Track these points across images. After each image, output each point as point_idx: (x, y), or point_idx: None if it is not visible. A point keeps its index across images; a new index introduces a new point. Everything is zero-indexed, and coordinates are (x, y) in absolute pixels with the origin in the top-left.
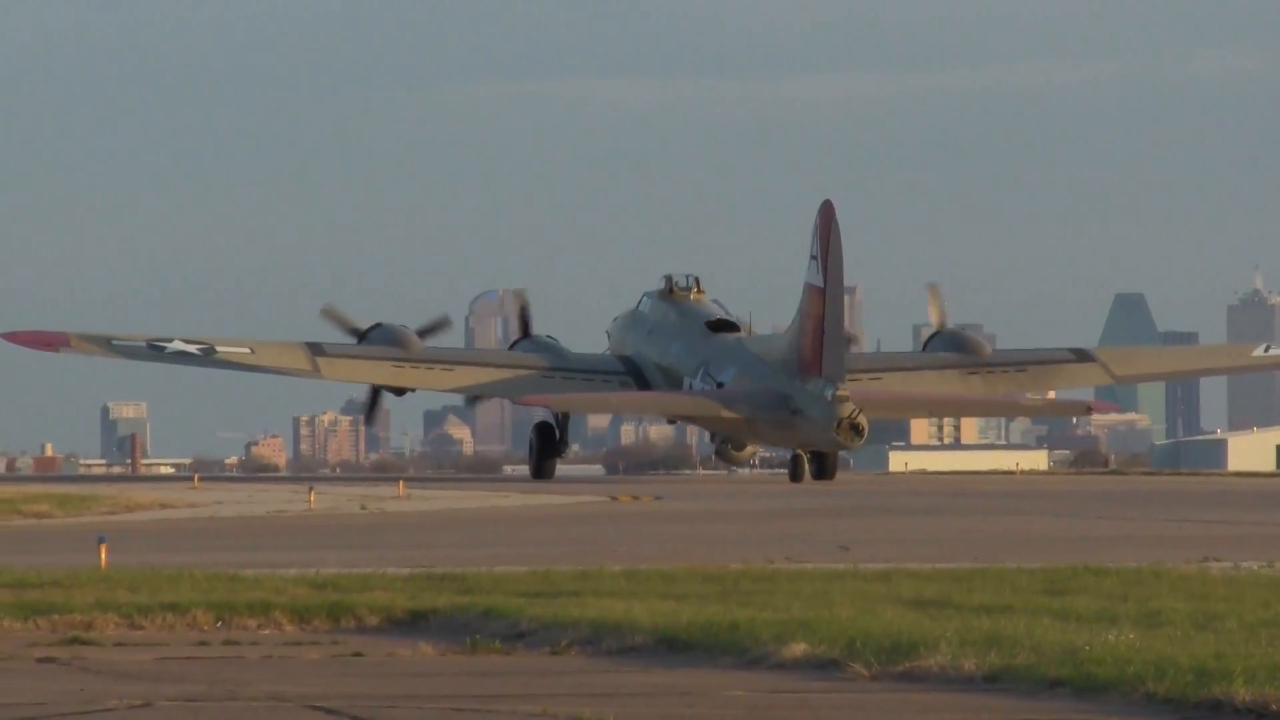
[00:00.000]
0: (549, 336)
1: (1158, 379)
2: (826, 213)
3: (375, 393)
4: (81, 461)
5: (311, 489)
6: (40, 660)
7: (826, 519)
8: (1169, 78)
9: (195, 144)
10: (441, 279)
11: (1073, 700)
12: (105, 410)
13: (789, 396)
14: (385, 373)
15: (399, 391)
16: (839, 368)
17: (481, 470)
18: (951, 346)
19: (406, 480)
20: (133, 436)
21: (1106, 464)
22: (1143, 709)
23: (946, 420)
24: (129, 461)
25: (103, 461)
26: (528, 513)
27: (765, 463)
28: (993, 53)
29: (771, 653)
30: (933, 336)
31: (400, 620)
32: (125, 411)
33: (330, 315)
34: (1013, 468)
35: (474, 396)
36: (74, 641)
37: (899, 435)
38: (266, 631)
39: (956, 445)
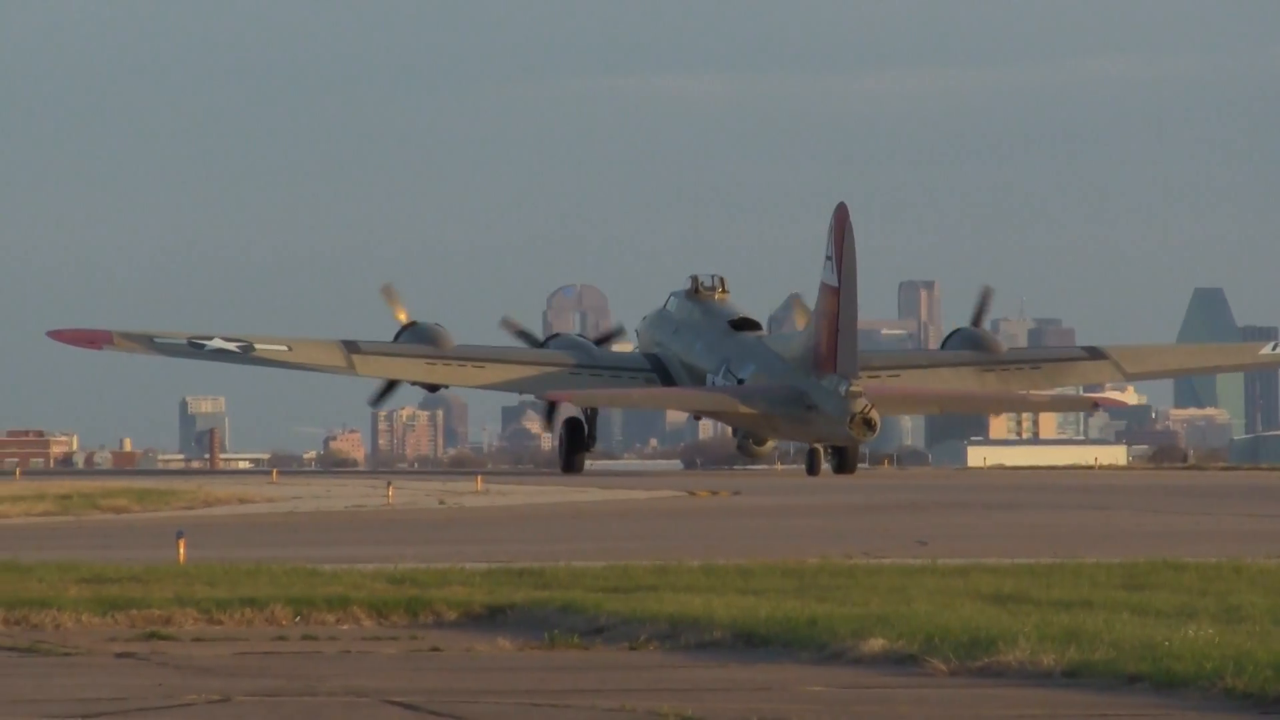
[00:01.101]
0: (580, 334)
1: (1167, 376)
2: (840, 215)
3: (390, 382)
4: (160, 456)
5: (389, 484)
6: (119, 655)
7: (905, 514)
8: (1248, 71)
9: (262, 142)
10: (518, 273)
11: (1151, 695)
12: (184, 405)
13: (805, 392)
14: (418, 370)
15: (432, 388)
16: (852, 364)
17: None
18: (969, 345)
19: (485, 475)
20: (211, 431)
21: (1185, 459)
22: (1221, 704)
23: (1025, 415)
24: (207, 456)
25: (181, 456)
26: (606, 508)
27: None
28: (1069, 47)
29: (850, 648)
30: (952, 335)
31: (478, 615)
32: (203, 406)
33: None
34: (1091, 463)
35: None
36: (152, 636)
37: (978, 430)
38: (345, 626)
39: (1035, 440)
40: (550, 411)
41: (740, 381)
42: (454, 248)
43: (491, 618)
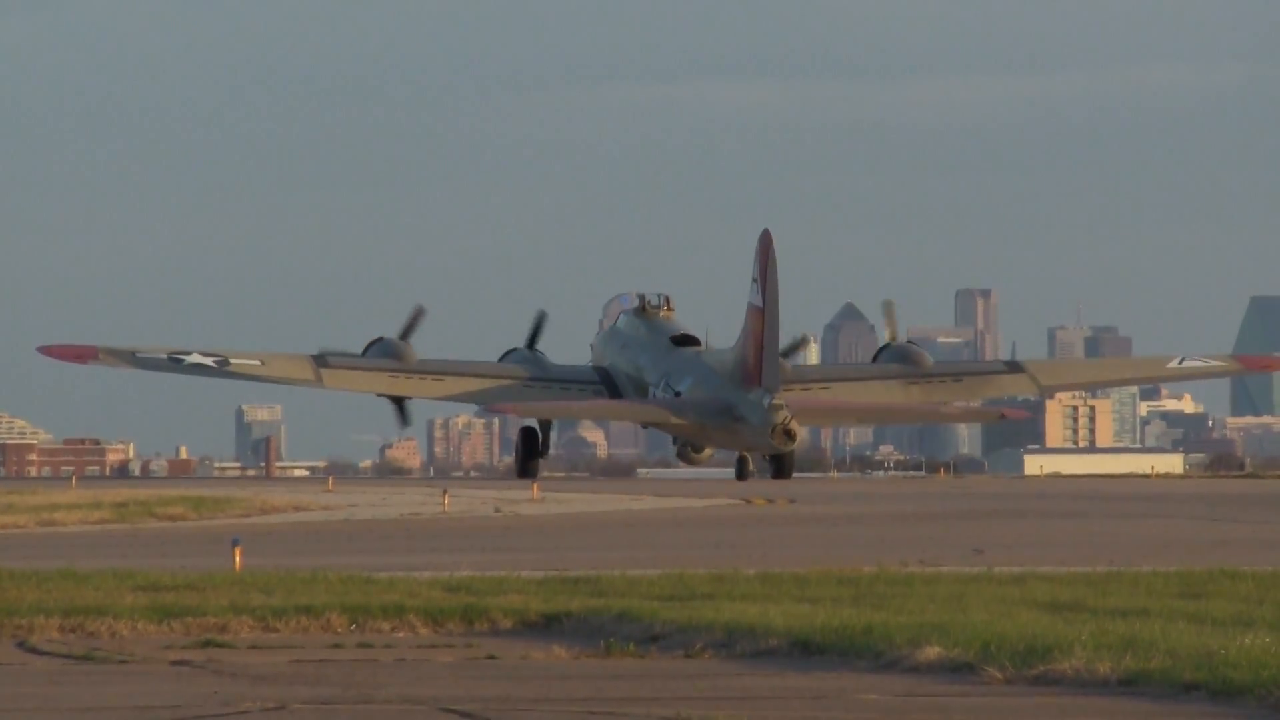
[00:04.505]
0: (536, 349)
1: (1080, 388)
2: (765, 241)
3: (399, 401)
4: (216, 464)
5: (445, 492)
6: (175, 663)
7: (961, 522)
8: None
9: (279, 156)
10: (575, 281)
11: (1208, 704)
12: (240, 413)
13: (733, 404)
14: (382, 382)
15: (397, 400)
16: (775, 379)
17: (615, 473)
18: (897, 359)
19: (540, 483)
20: (268, 439)
21: (1242, 467)
22: (1278, 713)
23: (1081, 424)
24: (263, 464)
25: (237, 464)
26: (662, 516)
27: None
28: (1119, 55)
29: (906, 656)
30: (882, 349)
31: (534, 623)
32: (260, 414)
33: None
34: (1148, 471)
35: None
36: (208, 644)
37: (1034, 439)
38: (401, 634)
39: (1091, 449)
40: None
41: (678, 394)
42: (512, 256)
43: (547, 626)
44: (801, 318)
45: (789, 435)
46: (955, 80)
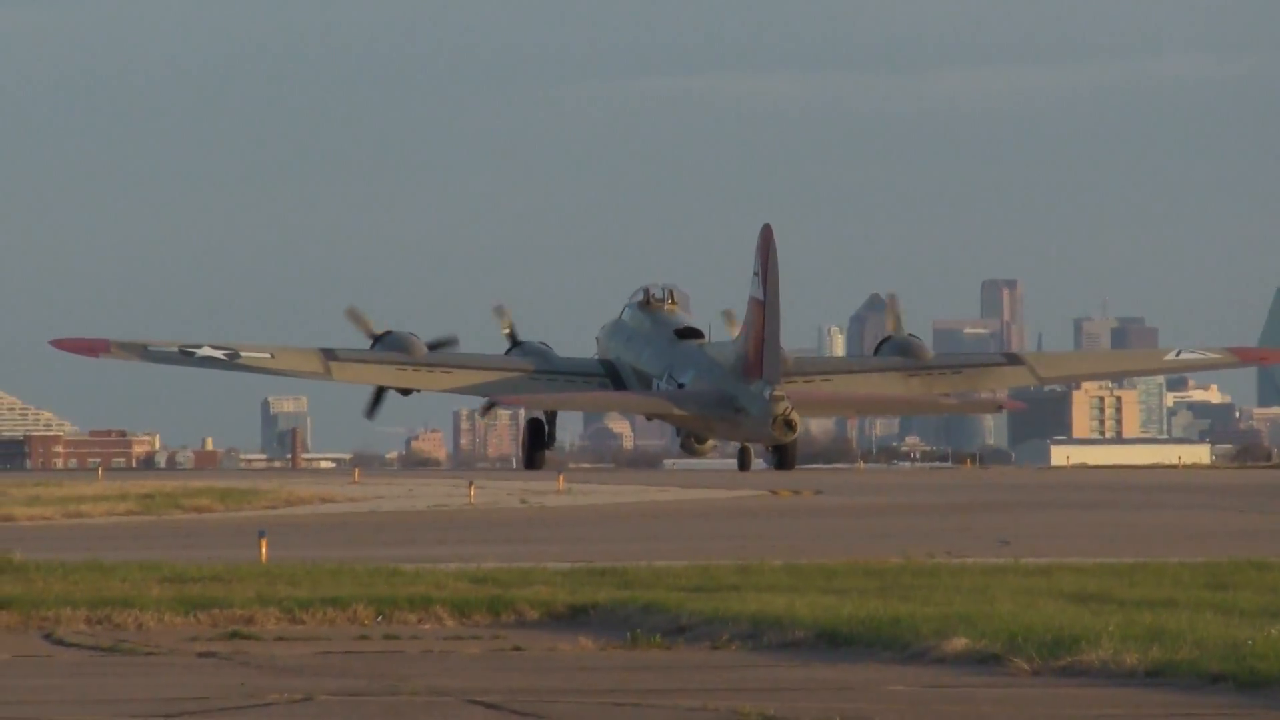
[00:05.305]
0: (541, 343)
1: (1078, 380)
2: (766, 235)
3: (379, 391)
4: (242, 456)
5: (471, 484)
6: (201, 654)
7: (987, 513)
8: None
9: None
10: (598, 274)
11: (1235, 695)
12: (266, 405)
13: (734, 396)
14: (390, 375)
15: (404, 392)
16: (776, 371)
17: (641, 464)
18: (898, 351)
19: (566, 475)
20: (293, 431)
21: (1269, 458)
22: None
23: (1108, 414)
24: (289, 456)
25: (263, 456)
26: (688, 507)
27: (927, 456)
28: (1145, 44)
29: (932, 647)
30: (883, 342)
31: (560, 615)
32: (285, 406)
33: (352, 317)
34: (1174, 462)
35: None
36: (235, 636)
37: (1061, 430)
38: (427, 626)
39: (1118, 439)
40: (489, 407)
41: (681, 386)
42: (542, 247)
43: (574, 617)
44: (827, 309)
45: (789, 426)
46: (981, 71)
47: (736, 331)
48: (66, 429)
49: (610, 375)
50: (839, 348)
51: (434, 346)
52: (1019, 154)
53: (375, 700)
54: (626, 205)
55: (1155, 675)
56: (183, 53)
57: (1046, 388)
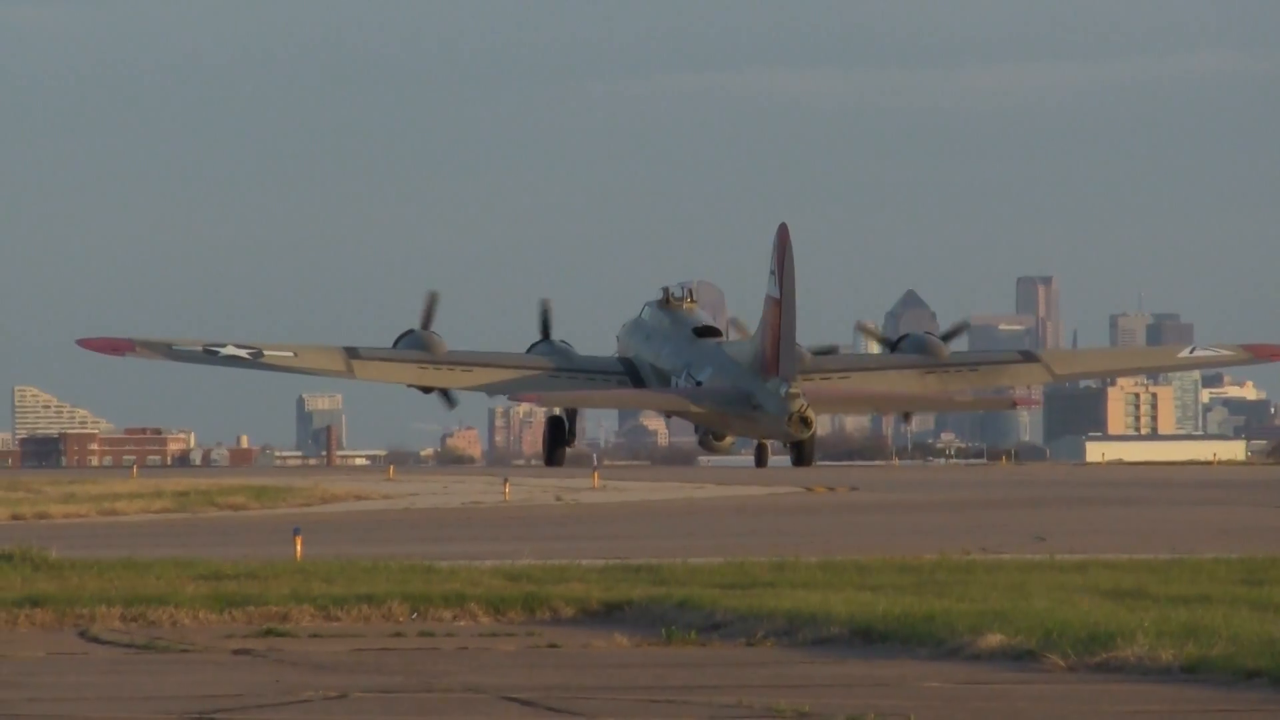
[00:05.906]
0: (562, 341)
1: (1092, 377)
2: (782, 235)
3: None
4: (277, 453)
5: (506, 481)
6: (236, 652)
7: (1022, 509)
8: None
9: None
10: (631, 270)
11: (1271, 691)
12: (301, 402)
13: (750, 393)
14: (412, 373)
15: (426, 390)
16: (792, 368)
17: (676, 461)
18: (915, 349)
19: (601, 472)
20: (328, 428)
21: None
22: None
23: (1144, 411)
24: (324, 453)
25: (298, 453)
26: (722, 504)
27: (961, 453)
28: (1181, 40)
29: (968, 644)
30: (900, 340)
31: (595, 611)
32: (320, 403)
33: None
34: (1210, 458)
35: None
36: (269, 633)
37: (1096, 426)
38: (462, 623)
39: (1154, 436)
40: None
41: (699, 383)
42: (571, 243)
43: (608, 614)
44: (863, 305)
45: (805, 423)
46: (1017, 67)
47: (742, 338)
48: (102, 426)
49: (630, 373)
50: (874, 344)
51: (425, 322)
52: (1054, 150)
53: (410, 697)
54: (652, 203)
55: (1191, 671)
56: (211, 51)
57: (1081, 384)
